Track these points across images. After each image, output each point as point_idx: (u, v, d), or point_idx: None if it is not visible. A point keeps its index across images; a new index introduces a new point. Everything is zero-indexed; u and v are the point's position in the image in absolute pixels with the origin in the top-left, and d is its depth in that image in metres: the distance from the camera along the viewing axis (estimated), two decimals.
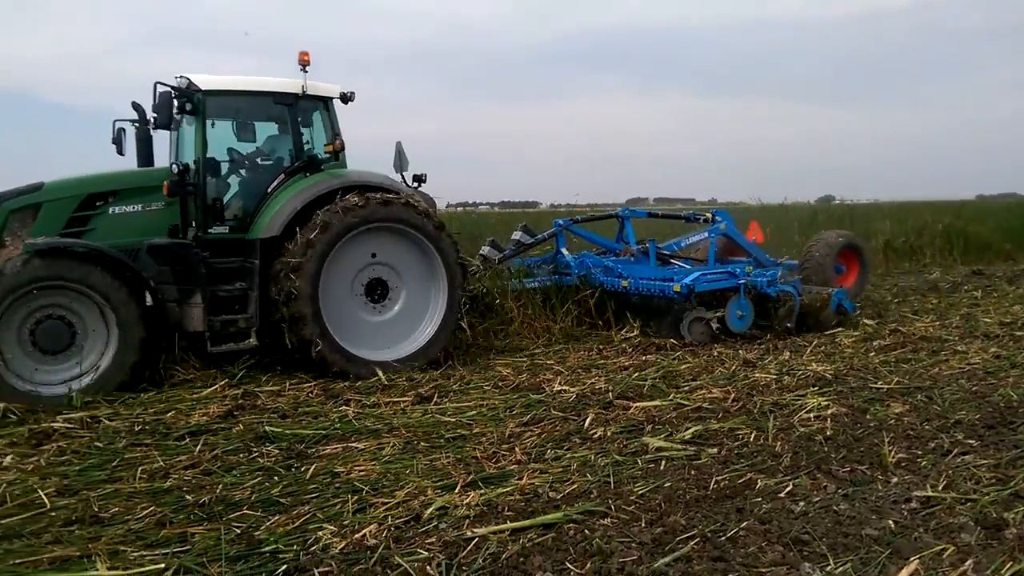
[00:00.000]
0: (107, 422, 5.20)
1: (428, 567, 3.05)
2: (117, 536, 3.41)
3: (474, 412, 5.39)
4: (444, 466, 4.27)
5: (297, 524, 3.51)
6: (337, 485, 4.01)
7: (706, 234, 9.22)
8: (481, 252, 9.29)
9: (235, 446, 4.68)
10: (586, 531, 3.37)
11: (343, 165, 7.27)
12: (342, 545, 3.27)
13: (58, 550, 3.27)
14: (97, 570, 3.05)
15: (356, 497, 3.80)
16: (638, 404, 5.39)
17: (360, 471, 4.21)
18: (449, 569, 3.05)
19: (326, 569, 3.04)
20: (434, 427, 5.05)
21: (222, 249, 6.70)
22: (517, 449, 4.53)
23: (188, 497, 3.85)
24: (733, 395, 5.58)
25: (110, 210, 6.55)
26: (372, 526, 3.44)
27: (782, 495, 3.76)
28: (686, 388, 5.88)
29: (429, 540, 3.29)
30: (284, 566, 3.07)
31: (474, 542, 3.25)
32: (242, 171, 7.27)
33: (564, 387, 5.89)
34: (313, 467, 4.25)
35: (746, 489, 3.86)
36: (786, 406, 5.34)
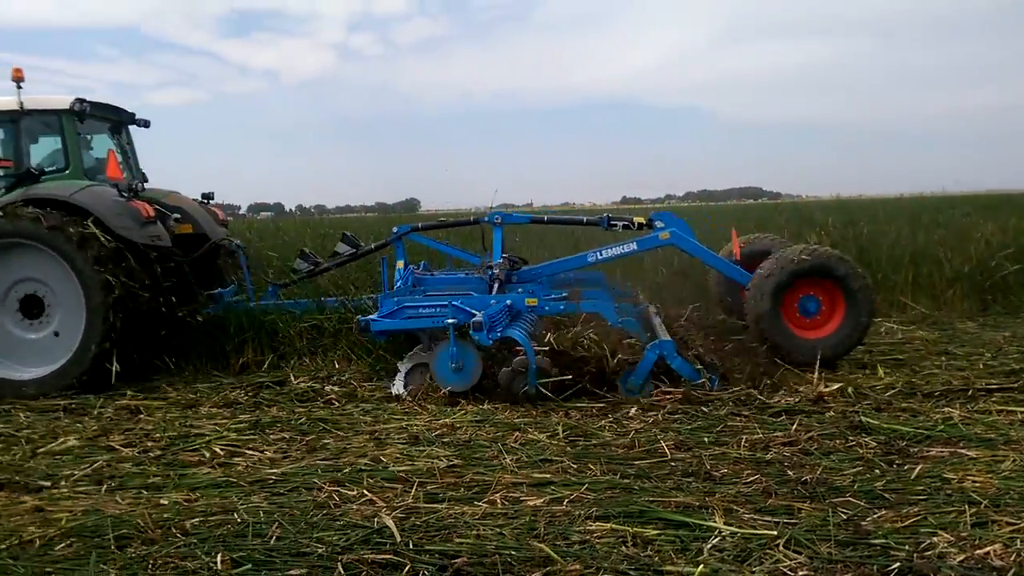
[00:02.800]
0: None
1: None
2: (728, 495, 3.77)
3: None
4: None
5: (906, 524, 3.36)
6: (948, 492, 3.71)
7: (635, 245, 6.90)
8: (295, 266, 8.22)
9: (830, 431, 4.70)
10: None
11: (75, 178, 7.32)
12: (961, 558, 3.02)
13: (679, 496, 3.76)
14: (715, 522, 3.42)
15: (973, 509, 3.45)
16: None
17: (974, 482, 3.81)
18: None
19: None
20: None
21: None
22: None
23: (789, 472, 4.02)
24: None
25: None
26: (996, 545, 3.09)
27: None
28: None
29: None
30: (897, 564, 2.98)
31: None
32: None
33: None
34: (918, 468, 4.00)
35: None
36: None
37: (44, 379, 6.63)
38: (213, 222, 8.42)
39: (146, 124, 8.87)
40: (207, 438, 4.96)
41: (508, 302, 6.23)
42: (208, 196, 8.86)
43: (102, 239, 6.66)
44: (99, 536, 3.45)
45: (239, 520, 3.58)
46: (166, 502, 3.84)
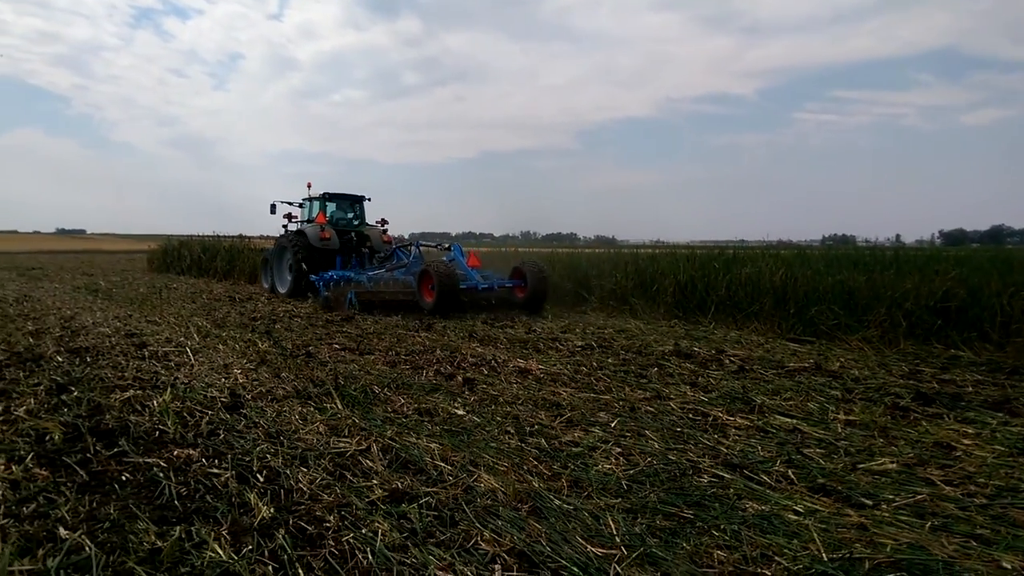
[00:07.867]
0: None
1: None
2: None
3: None
4: None
5: None
6: None
7: (445, 258, 15.33)
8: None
9: None
10: None
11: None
12: None
13: None
14: None
15: None
16: None
17: None
18: None
19: None
20: None
21: None
22: None
23: None
24: None
25: None
26: None
27: None
28: None
29: None
30: None
31: None
32: None
33: None
34: None
35: None
36: None
37: (286, 292, 17.76)
38: (380, 240, 18.80)
39: (368, 199, 20.16)
40: None
41: (351, 275, 16.06)
42: (385, 229, 19.68)
43: (297, 244, 17.80)
44: None
45: None
46: (1008, 566, 3.40)
